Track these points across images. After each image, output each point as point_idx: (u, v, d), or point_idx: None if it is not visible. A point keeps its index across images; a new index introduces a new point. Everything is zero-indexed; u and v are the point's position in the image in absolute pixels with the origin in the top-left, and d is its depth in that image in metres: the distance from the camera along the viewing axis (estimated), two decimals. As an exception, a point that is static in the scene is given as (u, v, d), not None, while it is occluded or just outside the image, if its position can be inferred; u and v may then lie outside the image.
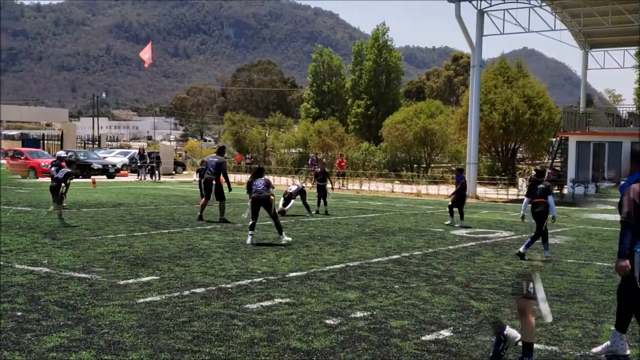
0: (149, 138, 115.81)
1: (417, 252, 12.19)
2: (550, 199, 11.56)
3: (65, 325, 6.46)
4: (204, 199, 16.83)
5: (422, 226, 17.07)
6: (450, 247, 13.16)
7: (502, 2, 31.49)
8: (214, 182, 16.57)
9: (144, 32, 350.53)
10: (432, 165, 48.12)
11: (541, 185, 11.65)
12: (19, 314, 6.85)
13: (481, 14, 31.72)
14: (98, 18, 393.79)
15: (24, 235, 12.67)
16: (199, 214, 16.73)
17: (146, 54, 39.17)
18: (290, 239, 13.05)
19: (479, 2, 31.38)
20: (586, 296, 8.67)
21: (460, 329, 6.84)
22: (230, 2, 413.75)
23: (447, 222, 17.51)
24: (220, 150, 17.87)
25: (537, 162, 46.94)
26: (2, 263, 9.68)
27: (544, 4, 32.96)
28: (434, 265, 10.76)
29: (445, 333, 6.64)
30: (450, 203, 17.69)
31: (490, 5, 31.67)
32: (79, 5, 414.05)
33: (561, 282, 9.61)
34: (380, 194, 32.11)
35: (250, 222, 12.92)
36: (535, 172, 12.25)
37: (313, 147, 50.67)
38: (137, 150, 42.61)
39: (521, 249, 11.80)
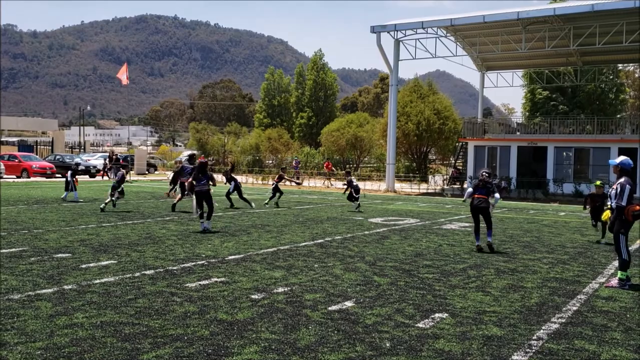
0: (129, 144, 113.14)
1: (338, 237, 12.15)
2: (497, 195, 10.84)
3: (38, 287, 6.15)
4: (180, 196, 17.35)
5: (346, 215, 17.07)
6: (366, 232, 13.17)
7: (414, 32, 31.81)
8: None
9: (124, 55, 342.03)
10: (361, 165, 48.45)
11: (488, 186, 10.83)
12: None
13: (397, 42, 31.98)
14: (86, 43, 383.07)
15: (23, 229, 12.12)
16: (174, 203, 17.06)
17: (123, 74, 38.16)
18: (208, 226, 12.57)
19: (395, 32, 31.63)
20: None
21: (362, 300, 6.80)
22: (197, 30, 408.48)
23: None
24: (191, 158, 18.00)
25: (446, 162, 47.80)
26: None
27: (448, 34, 33.46)
28: (350, 248, 10.73)
29: (349, 304, 6.59)
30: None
31: (405, 36, 31.97)
32: (70, 32, 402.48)
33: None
34: (317, 189, 32.06)
35: (199, 212, 12.66)
36: (487, 174, 10.97)
37: (264, 151, 50.35)
38: (108, 154, 41.19)
39: (489, 239, 10.75)
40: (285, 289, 7.21)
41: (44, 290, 6.75)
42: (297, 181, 26.79)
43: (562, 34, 30.26)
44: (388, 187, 31.10)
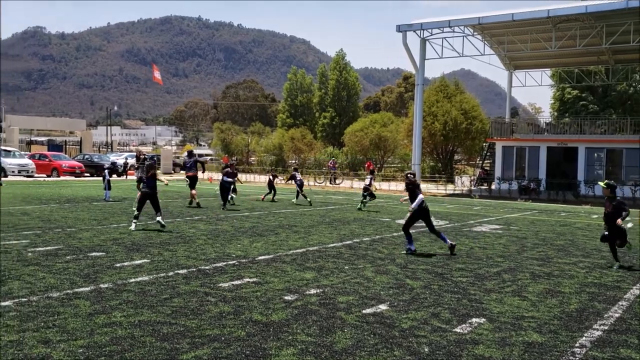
0: (154, 143, 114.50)
1: (366, 239, 12.11)
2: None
3: (75, 285, 6.25)
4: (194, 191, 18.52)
5: (373, 217, 17.01)
6: (395, 234, 13.09)
7: (441, 31, 31.54)
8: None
9: (150, 56, 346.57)
10: (385, 165, 48.25)
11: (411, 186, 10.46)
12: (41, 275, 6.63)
13: (424, 41, 31.75)
14: (112, 44, 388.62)
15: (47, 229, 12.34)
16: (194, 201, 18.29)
17: (156, 73, 39.16)
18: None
19: (421, 31, 31.40)
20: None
21: (396, 303, 6.75)
22: (220, 31, 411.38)
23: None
24: (190, 154, 19.59)
25: (472, 162, 47.37)
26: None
27: (475, 33, 33.12)
28: (379, 250, 10.68)
29: (383, 307, 6.55)
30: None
31: (431, 35, 31.73)
32: (96, 34, 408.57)
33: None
34: (341, 189, 32.01)
35: (135, 213, 12.62)
36: (412, 175, 10.68)
37: (287, 151, 50.49)
38: (135, 153, 41.69)
39: (450, 243, 10.42)
40: (318, 291, 7.19)
41: (81, 289, 6.84)
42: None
43: (594, 32, 29.71)
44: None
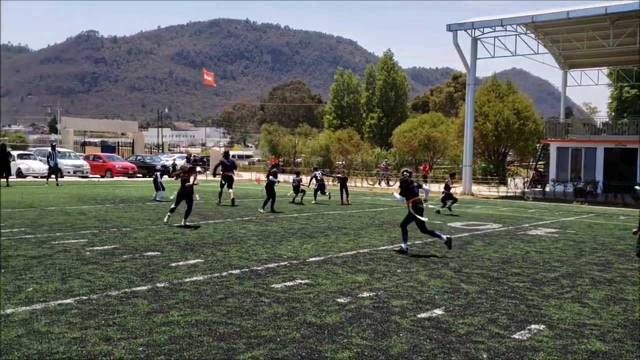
0: (203, 145, 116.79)
1: (418, 241, 11.99)
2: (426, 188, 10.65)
3: (133, 284, 6.44)
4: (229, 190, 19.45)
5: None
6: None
7: (493, 30, 30.97)
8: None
9: (199, 59, 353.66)
10: (434, 167, 47.68)
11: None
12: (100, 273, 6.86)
13: (475, 40, 31.26)
14: (162, 48, 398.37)
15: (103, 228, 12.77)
16: (232, 198, 19.03)
17: (208, 77, 40.25)
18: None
19: (472, 30, 30.92)
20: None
21: (451, 308, 6.66)
22: (268, 33, 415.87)
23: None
24: (226, 154, 20.90)
25: (525, 164, 46.29)
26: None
27: (528, 31, 32.37)
28: (432, 253, 10.56)
29: (438, 312, 6.48)
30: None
31: (483, 33, 31.20)
32: (147, 37, 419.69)
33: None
34: (389, 191, 31.81)
35: (172, 206, 13.63)
36: (408, 173, 10.72)
37: (334, 152, 50.54)
38: (186, 155, 42.61)
39: (445, 238, 10.39)
40: (371, 294, 7.17)
41: (139, 288, 7.03)
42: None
43: (655, 28, 28.56)
44: (465, 190, 30.44)
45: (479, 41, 31.41)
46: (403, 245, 10.44)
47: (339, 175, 23.54)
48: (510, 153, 44.84)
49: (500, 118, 38.72)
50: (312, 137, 59.47)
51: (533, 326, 5.99)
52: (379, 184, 37.12)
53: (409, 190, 10.52)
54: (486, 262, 9.72)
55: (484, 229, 14.74)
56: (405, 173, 10.69)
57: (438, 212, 18.58)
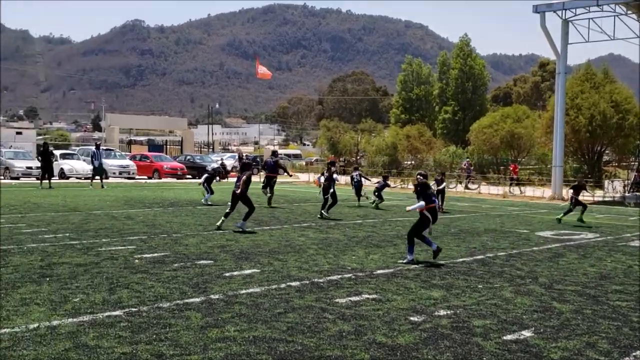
0: (256, 143, 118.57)
1: (501, 253, 11.74)
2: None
3: (185, 295, 6.61)
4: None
5: (507, 227, 16.46)
6: (535, 248, 12.59)
7: (587, 11, 29.96)
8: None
9: (251, 49, 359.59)
10: (519, 167, 46.57)
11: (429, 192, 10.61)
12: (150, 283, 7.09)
13: (566, 23, 30.34)
14: (212, 37, 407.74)
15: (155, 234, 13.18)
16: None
17: (261, 68, 40.94)
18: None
19: (563, 12, 30.02)
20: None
21: (542, 329, 6.48)
22: (327, 19, 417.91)
23: None
24: (274, 154, 22.64)
25: (625, 164, 44.54)
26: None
27: (629, 11, 31.11)
28: (517, 266, 10.32)
29: (527, 333, 6.32)
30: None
31: (575, 15, 30.24)
32: (196, 26, 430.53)
33: None
34: (467, 195, 31.32)
35: (227, 211, 14.00)
36: (421, 177, 10.72)
37: (402, 150, 50.20)
38: (237, 155, 43.12)
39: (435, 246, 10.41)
40: (448, 312, 7.08)
41: (192, 300, 7.21)
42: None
43: None
44: (554, 194, 29.61)
45: (570, 24, 30.47)
46: (408, 256, 10.35)
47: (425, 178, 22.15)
48: (607, 152, 43.17)
49: (596, 111, 37.30)
50: (377, 134, 59.28)
51: (639, 352, 5.76)
52: (466, 186, 36.32)
53: (426, 195, 10.46)
54: (581, 278, 9.42)
55: (578, 239, 14.28)
56: (419, 177, 10.68)
57: (581, 220, 17.68)
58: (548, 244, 13.18)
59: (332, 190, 17.59)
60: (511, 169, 38.63)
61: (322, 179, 18.50)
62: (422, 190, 10.48)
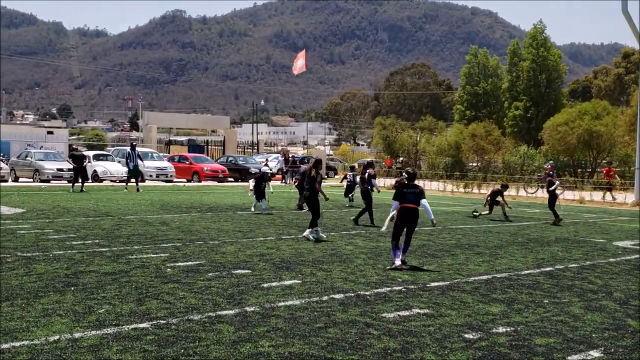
0: (305, 143, 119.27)
1: (573, 265, 11.51)
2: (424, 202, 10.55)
3: (218, 307, 6.73)
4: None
5: (582, 236, 16.11)
6: (611, 259, 12.29)
7: (678, -9, 29.08)
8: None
9: (300, 40, 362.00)
10: (598, 169, 45.44)
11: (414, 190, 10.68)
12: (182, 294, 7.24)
13: (653, 5, 29.50)
14: (258, 28, 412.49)
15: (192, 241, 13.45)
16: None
17: (298, 60, 40.69)
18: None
19: (650, -7, 29.22)
20: None
21: (613, 349, 6.34)
22: (384, 6, 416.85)
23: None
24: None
25: None
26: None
27: None
28: (590, 280, 10.09)
29: (595, 354, 6.18)
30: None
31: (664, -4, 29.39)
32: (241, 16, 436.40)
33: None
34: (538, 201, 30.73)
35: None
36: (408, 175, 10.94)
37: (466, 151, 49.62)
38: (282, 155, 43.14)
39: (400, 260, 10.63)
40: (508, 329, 6.99)
41: (225, 312, 7.33)
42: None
43: None
44: (637, 199, 28.82)
45: (658, 6, 29.62)
46: (395, 262, 10.56)
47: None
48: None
49: (688, 106, 36.19)
50: (439, 133, 58.81)
51: None
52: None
53: (399, 193, 10.69)
54: (665, 294, 9.15)
55: (664, 250, 13.86)
56: (405, 175, 10.97)
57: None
58: (627, 255, 12.87)
59: (370, 195, 17.71)
60: (604, 172, 37.63)
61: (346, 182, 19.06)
62: (397, 190, 10.80)
